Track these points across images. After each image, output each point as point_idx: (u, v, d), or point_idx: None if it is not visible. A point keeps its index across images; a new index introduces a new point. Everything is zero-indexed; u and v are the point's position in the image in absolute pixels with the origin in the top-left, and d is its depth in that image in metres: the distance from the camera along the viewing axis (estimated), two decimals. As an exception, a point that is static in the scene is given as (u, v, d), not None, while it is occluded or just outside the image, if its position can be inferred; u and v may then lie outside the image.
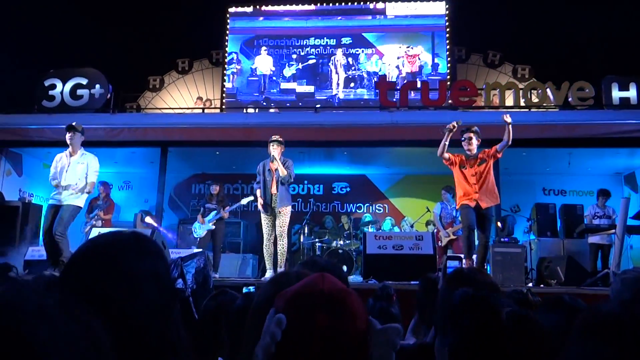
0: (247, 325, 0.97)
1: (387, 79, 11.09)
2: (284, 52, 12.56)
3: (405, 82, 10.94)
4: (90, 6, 14.10)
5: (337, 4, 12.55)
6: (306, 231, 9.45)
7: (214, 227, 7.75)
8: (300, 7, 12.65)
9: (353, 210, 11.58)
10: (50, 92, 9.90)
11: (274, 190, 6.51)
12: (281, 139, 6.64)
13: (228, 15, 12.73)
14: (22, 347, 0.41)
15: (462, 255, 6.16)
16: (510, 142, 6.05)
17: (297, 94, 12.25)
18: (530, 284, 7.17)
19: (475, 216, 6.07)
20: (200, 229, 7.80)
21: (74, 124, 6.32)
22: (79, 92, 9.87)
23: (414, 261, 6.31)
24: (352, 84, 12.19)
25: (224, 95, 12.47)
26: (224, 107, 12.15)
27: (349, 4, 12.54)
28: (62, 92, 9.87)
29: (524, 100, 9.28)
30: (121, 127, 9.38)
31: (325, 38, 12.50)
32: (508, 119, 5.98)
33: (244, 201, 7.98)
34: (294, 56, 12.50)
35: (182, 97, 12.74)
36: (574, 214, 8.83)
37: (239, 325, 0.98)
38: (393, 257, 6.50)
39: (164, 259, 1.06)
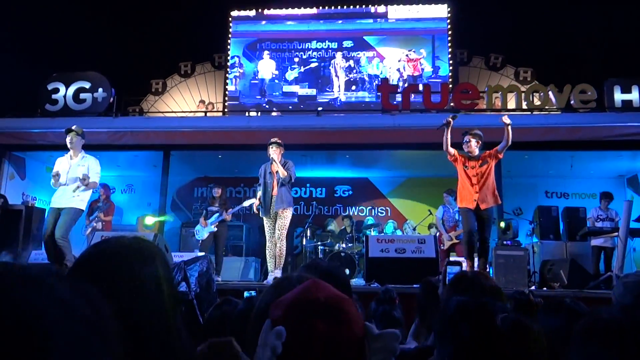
0: (249, 331, 0.97)
1: (389, 82, 11.08)
2: (286, 56, 12.59)
3: (406, 85, 10.95)
4: (93, 10, 14.15)
5: (338, 8, 12.58)
6: (308, 234, 9.45)
7: (216, 229, 7.76)
8: (302, 11, 12.68)
9: (355, 213, 11.58)
10: (54, 96, 9.93)
11: (275, 192, 6.52)
12: (280, 141, 6.63)
13: (230, 19, 12.76)
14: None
15: (463, 260, 6.17)
16: (510, 143, 6.10)
17: (299, 97, 12.27)
18: (533, 287, 7.15)
19: (475, 217, 6.10)
20: (202, 232, 7.81)
21: (73, 127, 6.31)
22: (82, 95, 9.91)
23: (417, 264, 6.30)
24: (353, 87, 12.21)
25: (226, 98, 12.49)
26: (226, 110, 12.17)
27: (351, 7, 12.56)
28: (65, 96, 9.91)
29: (526, 103, 9.27)
30: (124, 130, 9.40)
31: (327, 41, 12.53)
32: (507, 120, 6.04)
33: (246, 203, 7.99)
34: (296, 59, 12.52)
35: (185, 101, 12.77)
36: (577, 216, 8.81)
37: (240, 330, 0.99)
38: (395, 261, 6.49)
39: (166, 263, 1.07)
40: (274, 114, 10.98)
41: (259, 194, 6.76)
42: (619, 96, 9.13)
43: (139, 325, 0.94)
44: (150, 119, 11.02)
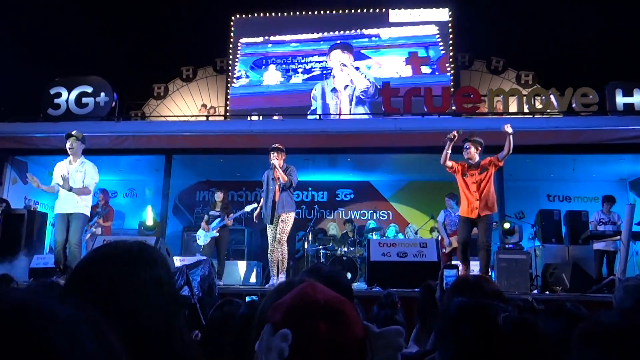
0: (252, 335, 0.97)
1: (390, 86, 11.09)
2: (290, 68, 12.69)
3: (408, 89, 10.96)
4: (95, 15, 14.21)
5: (337, 33, 12.68)
6: (310, 238, 9.44)
7: (218, 234, 7.76)
8: (305, 36, 12.79)
9: (357, 217, 11.57)
10: (56, 101, 9.96)
11: (277, 197, 6.52)
12: (281, 147, 6.64)
13: (239, 44, 12.84)
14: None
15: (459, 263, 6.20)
16: (511, 152, 6.12)
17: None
18: (536, 291, 7.14)
19: (474, 222, 6.16)
20: (204, 236, 7.81)
21: (73, 132, 6.31)
22: (84, 100, 9.93)
23: (418, 268, 6.29)
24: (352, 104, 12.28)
25: (227, 102, 12.52)
26: (228, 114, 12.20)
27: (350, 31, 12.63)
28: (67, 101, 9.93)
29: (527, 106, 9.28)
30: (126, 134, 9.42)
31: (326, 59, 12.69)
32: (509, 129, 6.04)
33: (248, 208, 7.99)
34: (300, 70, 12.62)
35: (187, 105, 12.80)
36: (579, 220, 8.79)
37: (243, 334, 0.99)
38: (397, 264, 6.49)
39: (168, 267, 1.07)
40: (275, 117, 10.99)
41: (262, 200, 6.78)
42: (620, 99, 9.13)
43: (140, 328, 0.94)
44: (152, 123, 11.04)
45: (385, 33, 12.53)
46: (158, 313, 0.98)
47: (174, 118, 11.43)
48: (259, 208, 6.92)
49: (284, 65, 12.73)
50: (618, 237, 7.20)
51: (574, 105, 9.11)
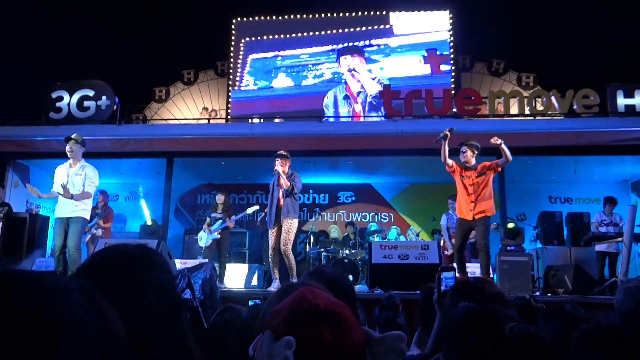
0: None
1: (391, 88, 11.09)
2: (300, 75, 12.69)
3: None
4: (97, 19, 14.24)
5: (348, 44, 12.66)
6: (312, 241, 9.44)
7: (219, 236, 7.76)
8: (315, 49, 12.77)
9: (358, 220, 11.57)
10: (57, 104, 9.98)
11: (281, 203, 6.54)
12: (285, 153, 6.64)
13: (249, 59, 12.87)
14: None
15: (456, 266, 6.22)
16: (510, 160, 6.16)
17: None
18: (538, 293, 7.13)
19: (470, 225, 6.20)
20: (205, 239, 7.81)
21: (73, 135, 6.30)
22: (86, 103, 9.95)
23: (420, 270, 6.28)
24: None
25: (229, 105, 12.54)
26: (229, 117, 12.21)
27: (360, 43, 12.63)
28: (69, 104, 9.95)
29: (528, 108, 9.28)
30: (127, 138, 9.43)
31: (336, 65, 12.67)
32: (497, 141, 6.09)
33: (250, 210, 8.00)
34: (310, 75, 12.64)
35: (188, 108, 12.81)
36: (581, 222, 8.78)
37: (245, 338, 0.99)
38: (399, 267, 6.48)
39: (169, 270, 1.07)
40: (276, 120, 10.99)
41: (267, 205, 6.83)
42: (622, 101, 9.12)
43: (142, 332, 0.94)
44: (153, 127, 11.05)
45: (394, 42, 12.53)
46: (160, 316, 0.98)
47: (175, 121, 11.45)
48: (264, 214, 6.94)
49: (294, 73, 12.71)
50: (620, 238, 7.18)
51: (575, 107, 9.11)
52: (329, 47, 12.74)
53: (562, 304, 1.93)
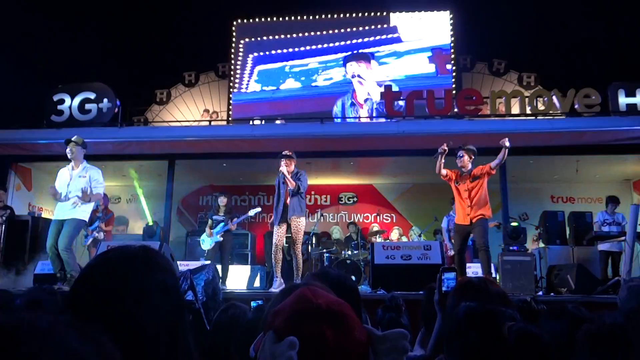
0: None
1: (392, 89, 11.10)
2: (308, 79, 12.68)
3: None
4: (97, 22, 14.27)
5: (350, 41, 12.64)
6: (314, 242, 9.43)
7: (221, 238, 7.76)
8: (323, 58, 12.75)
9: (360, 220, 11.57)
10: (59, 107, 10.00)
11: (288, 201, 6.55)
12: (290, 154, 6.64)
13: (255, 70, 12.89)
14: None
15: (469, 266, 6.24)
16: (503, 162, 6.22)
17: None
18: (540, 292, 7.12)
19: (468, 230, 6.25)
20: (208, 241, 7.81)
21: (73, 138, 6.28)
22: (87, 106, 9.96)
23: (423, 271, 6.28)
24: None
25: (230, 107, 12.54)
26: (230, 119, 12.22)
27: (361, 41, 12.63)
28: (70, 107, 9.97)
29: (529, 108, 9.27)
30: (129, 140, 9.45)
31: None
32: (507, 143, 6.13)
33: (252, 212, 8.00)
34: (317, 79, 12.67)
35: (189, 110, 12.83)
36: (583, 221, 8.76)
37: (249, 339, 0.98)
38: (401, 267, 6.48)
39: (173, 272, 1.07)
40: (277, 121, 11.00)
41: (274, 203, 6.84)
42: (623, 100, 9.11)
43: (145, 334, 0.94)
44: (155, 129, 11.07)
45: (395, 42, 12.53)
46: (164, 317, 0.98)
47: (176, 123, 11.46)
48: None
49: (302, 78, 12.70)
50: (623, 238, 7.17)
51: (576, 106, 9.10)
52: (338, 55, 12.71)
53: (564, 304, 1.93)
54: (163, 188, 10.00)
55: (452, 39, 12.26)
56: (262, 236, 10.30)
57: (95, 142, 8.61)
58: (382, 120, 11.39)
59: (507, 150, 6.12)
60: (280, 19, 12.90)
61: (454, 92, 10.82)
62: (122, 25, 14.74)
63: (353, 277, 7.96)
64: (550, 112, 9.26)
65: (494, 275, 7.40)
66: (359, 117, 11.89)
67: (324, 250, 9.17)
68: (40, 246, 8.37)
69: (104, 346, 0.50)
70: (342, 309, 0.86)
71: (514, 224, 7.67)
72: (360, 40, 12.59)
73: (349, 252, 8.90)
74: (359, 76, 12.36)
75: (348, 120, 11.90)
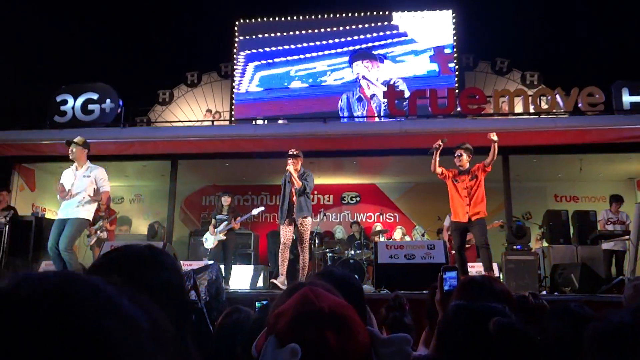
0: None
1: (395, 88, 11.09)
2: (316, 80, 12.70)
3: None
4: (100, 22, 14.29)
5: (352, 38, 12.62)
6: (317, 241, 9.43)
7: (224, 237, 7.76)
8: (330, 61, 12.73)
9: (363, 220, 11.56)
10: (62, 108, 10.02)
11: (294, 199, 6.56)
12: (297, 152, 6.64)
13: (258, 76, 12.89)
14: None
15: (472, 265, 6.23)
16: (495, 157, 6.25)
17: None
18: (544, 292, 7.11)
19: (466, 228, 6.27)
20: (211, 240, 7.81)
21: (75, 138, 6.26)
22: (90, 107, 9.98)
23: (426, 270, 6.26)
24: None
25: (232, 107, 12.55)
26: (233, 119, 12.23)
27: (363, 39, 12.62)
28: (73, 108, 9.99)
29: (533, 106, 9.24)
30: (132, 140, 9.46)
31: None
32: (494, 137, 6.16)
33: (255, 212, 8.00)
34: (322, 79, 12.68)
35: (192, 110, 12.84)
36: (587, 220, 8.74)
37: (254, 339, 0.98)
38: (405, 267, 6.47)
39: (178, 271, 1.07)
40: (280, 121, 11.01)
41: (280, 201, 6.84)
42: (627, 98, 9.08)
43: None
44: (157, 129, 11.09)
45: (398, 42, 12.52)
46: (170, 316, 0.97)
47: (179, 123, 11.47)
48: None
49: (310, 80, 12.71)
50: (627, 237, 7.15)
51: (580, 105, 9.07)
52: (344, 59, 12.69)
53: (567, 303, 1.92)
54: (166, 188, 10.02)
55: (455, 38, 12.25)
56: (265, 236, 10.30)
57: (98, 142, 8.63)
58: (385, 119, 11.39)
59: (496, 144, 6.16)
60: (282, 18, 12.90)
61: (456, 91, 10.81)
62: (124, 25, 14.76)
63: (356, 277, 7.95)
64: (554, 110, 9.24)
65: (496, 273, 7.40)
66: (366, 115, 11.89)
67: (327, 250, 9.17)
68: (44, 246, 8.40)
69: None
70: (345, 312, 0.85)
71: (519, 217, 7.68)
72: (362, 37, 12.58)
73: (352, 252, 8.90)
74: (364, 77, 12.37)
75: (353, 117, 11.89)
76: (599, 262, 7.99)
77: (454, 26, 12.30)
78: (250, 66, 12.78)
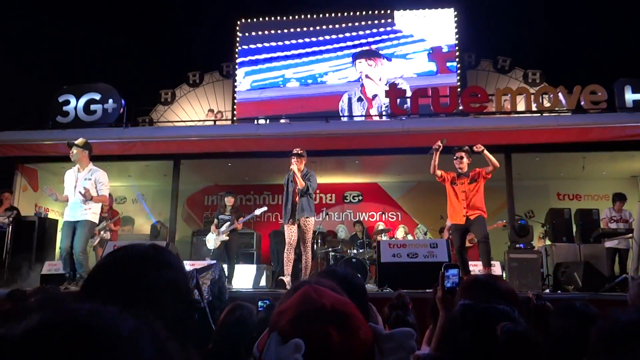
0: None
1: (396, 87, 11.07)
2: (315, 81, 12.68)
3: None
4: (102, 23, 14.30)
5: (352, 35, 12.61)
6: (319, 241, 9.43)
7: (227, 237, 7.76)
8: (332, 61, 12.71)
9: (366, 219, 11.55)
10: (64, 108, 10.03)
11: (296, 200, 6.55)
12: (301, 151, 6.63)
13: (249, 80, 12.90)
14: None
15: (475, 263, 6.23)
16: (497, 166, 6.33)
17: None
18: (547, 290, 7.09)
19: (466, 228, 6.32)
20: (213, 240, 7.81)
21: (76, 141, 6.27)
22: (93, 107, 10.00)
23: (429, 269, 6.25)
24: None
25: (234, 107, 12.56)
26: (235, 118, 12.23)
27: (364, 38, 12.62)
28: (75, 108, 10.01)
29: (535, 105, 9.22)
30: (134, 140, 9.46)
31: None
32: (479, 148, 6.25)
33: (258, 212, 7.99)
34: (321, 79, 12.68)
35: (194, 110, 12.85)
36: (590, 218, 8.72)
37: (259, 337, 0.98)
38: (408, 265, 6.46)
39: (182, 270, 1.07)
40: (282, 121, 11.00)
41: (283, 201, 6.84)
42: (630, 96, 9.06)
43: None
44: (160, 129, 11.09)
45: (399, 41, 12.51)
46: (174, 315, 0.97)
47: (181, 123, 11.48)
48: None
49: (309, 81, 12.70)
50: (630, 235, 7.13)
51: (582, 103, 9.04)
52: (346, 61, 12.68)
53: (572, 302, 1.91)
54: (168, 188, 10.02)
55: (457, 36, 12.23)
56: (268, 235, 10.30)
57: (101, 142, 8.64)
58: (387, 118, 11.37)
59: (487, 153, 6.22)
60: (284, 18, 12.89)
61: (459, 89, 10.79)
62: (126, 26, 14.78)
63: (359, 276, 7.94)
64: (556, 108, 9.22)
65: (499, 271, 7.39)
66: (366, 114, 11.87)
67: (330, 249, 9.17)
68: (47, 247, 8.42)
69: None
70: (347, 309, 0.85)
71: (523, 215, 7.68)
72: (363, 33, 12.58)
73: (355, 251, 8.90)
74: (367, 77, 12.36)
75: (354, 116, 11.89)
76: (602, 261, 7.97)
77: (456, 24, 12.28)
78: (247, 69, 12.81)
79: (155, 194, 11.97)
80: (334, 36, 12.69)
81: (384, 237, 9.43)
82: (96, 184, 6.14)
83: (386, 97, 10.22)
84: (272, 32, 12.89)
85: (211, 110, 12.42)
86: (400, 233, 10.03)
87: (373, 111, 12.01)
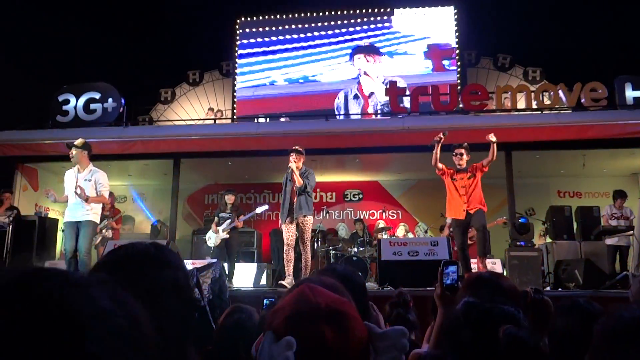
0: None
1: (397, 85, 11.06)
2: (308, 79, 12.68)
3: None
4: (101, 22, 14.29)
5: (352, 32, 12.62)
6: (320, 239, 9.43)
7: (228, 236, 7.76)
8: (331, 60, 12.70)
9: (366, 217, 11.55)
10: (64, 107, 10.03)
11: (294, 199, 6.53)
12: (300, 149, 6.62)
13: (246, 82, 12.89)
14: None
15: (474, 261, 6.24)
16: (495, 158, 6.34)
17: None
18: (548, 288, 7.10)
19: (467, 223, 6.35)
20: (214, 238, 7.81)
21: (75, 141, 6.25)
22: (92, 106, 9.99)
23: (430, 267, 6.23)
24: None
25: (234, 105, 12.55)
26: (235, 117, 12.23)
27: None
28: (75, 107, 10.00)
29: (535, 102, 9.21)
30: (134, 139, 9.46)
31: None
32: (493, 138, 6.25)
33: (259, 210, 7.99)
34: (319, 77, 12.69)
35: (194, 109, 12.84)
36: (590, 215, 8.72)
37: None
38: (408, 263, 6.46)
39: (184, 269, 1.07)
40: (282, 119, 10.99)
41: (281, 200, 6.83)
42: (630, 93, 9.05)
43: (157, 330, 0.93)
44: (160, 128, 11.09)
45: (399, 39, 12.50)
46: (175, 314, 0.97)
47: (181, 122, 11.47)
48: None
49: (309, 78, 12.69)
50: (631, 232, 7.13)
51: (582, 100, 9.04)
52: (345, 60, 12.68)
53: (576, 298, 1.90)
54: (169, 187, 10.02)
55: (457, 34, 12.21)
56: (268, 234, 10.30)
57: (101, 141, 8.64)
58: (387, 116, 11.36)
59: (495, 145, 6.25)
60: (284, 16, 12.88)
61: (458, 87, 10.78)
62: (126, 24, 14.77)
63: (359, 274, 7.94)
64: (557, 106, 9.21)
65: (499, 269, 7.38)
66: (362, 112, 11.86)
67: (330, 248, 9.17)
68: (47, 246, 8.43)
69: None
70: (342, 308, 0.85)
71: (525, 213, 7.69)
72: (361, 28, 12.57)
73: (355, 249, 8.90)
74: (365, 73, 12.35)
75: (351, 115, 11.87)
76: (603, 258, 7.97)
77: (456, 22, 12.27)
78: (246, 68, 12.80)
79: (155, 193, 11.97)
80: (333, 34, 12.67)
81: (385, 235, 9.43)
82: (96, 184, 6.14)
83: (386, 95, 10.20)
84: (272, 30, 12.89)
85: (211, 109, 12.42)
86: (400, 231, 10.03)
87: (369, 109, 11.99)
